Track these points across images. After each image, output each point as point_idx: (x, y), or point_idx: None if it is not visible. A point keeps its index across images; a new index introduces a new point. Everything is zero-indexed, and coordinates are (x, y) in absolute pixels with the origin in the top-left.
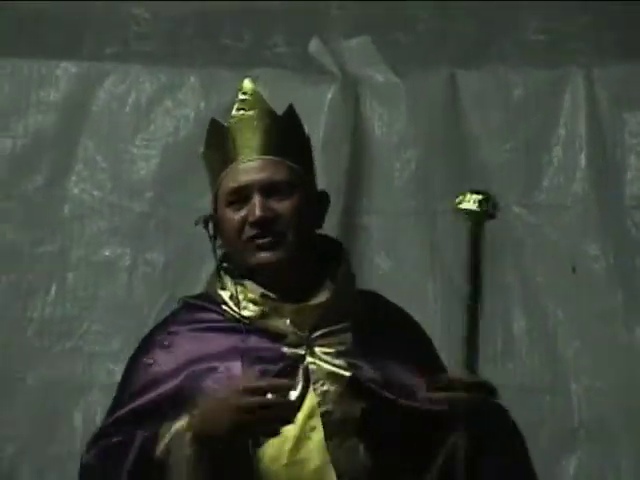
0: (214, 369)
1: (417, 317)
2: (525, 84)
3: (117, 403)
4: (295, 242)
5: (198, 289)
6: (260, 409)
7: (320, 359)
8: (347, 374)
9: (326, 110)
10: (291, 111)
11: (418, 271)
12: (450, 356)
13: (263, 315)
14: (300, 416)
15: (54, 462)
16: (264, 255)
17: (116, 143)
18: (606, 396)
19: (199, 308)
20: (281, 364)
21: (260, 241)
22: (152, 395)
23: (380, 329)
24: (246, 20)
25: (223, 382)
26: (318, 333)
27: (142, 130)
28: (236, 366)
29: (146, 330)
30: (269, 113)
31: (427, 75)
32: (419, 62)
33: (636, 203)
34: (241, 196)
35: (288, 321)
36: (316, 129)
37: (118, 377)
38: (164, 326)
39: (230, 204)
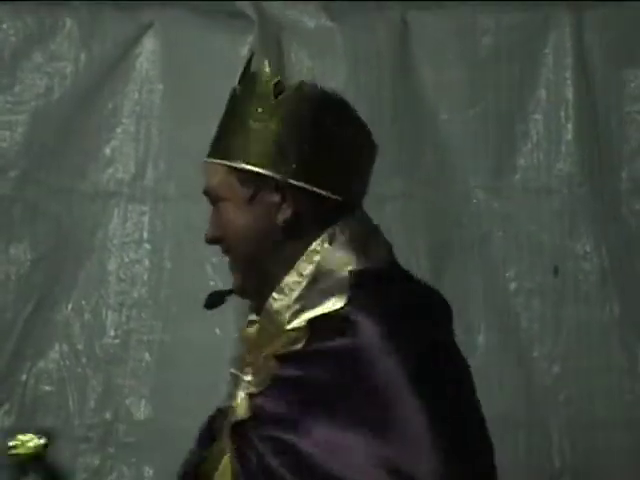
0: None
1: None
2: (496, 31)
3: None
4: (242, 264)
5: (74, 292)
6: None
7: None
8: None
9: (241, 65)
10: (298, 93)
11: None
12: None
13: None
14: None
15: None
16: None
17: None
18: (595, 432)
19: None
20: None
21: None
22: None
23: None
24: None
25: None
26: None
27: (5, 90)
28: None
29: (8, 345)
30: (258, 99)
31: (371, 19)
32: (360, 2)
33: (636, 187)
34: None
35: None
36: (228, 89)
37: None
38: None
39: None
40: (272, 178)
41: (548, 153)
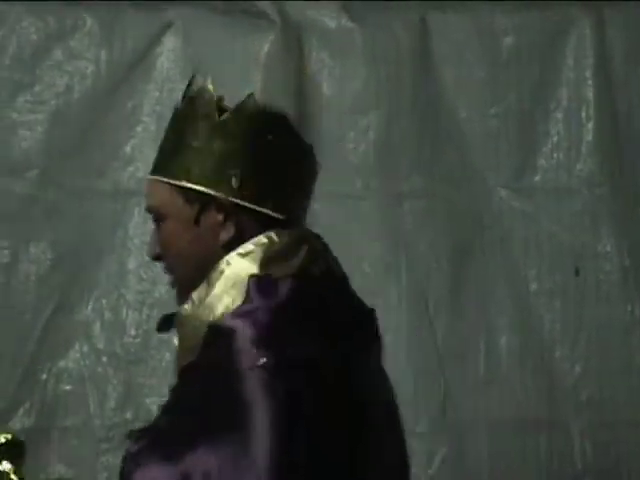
0: None
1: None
2: (516, 31)
3: None
4: (181, 282)
5: (95, 291)
6: None
7: None
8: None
9: (262, 65)
10: (240, 114)
11: (379, 268)
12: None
13: None
14: None
15: None
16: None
17: None
18: (617, 434)
19: None
20: None
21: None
22: None
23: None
24: None
25: None
26: None
27: (25, 90)
28: None
29: (29, 345)
30: (206, 117)
31: (391, 19)
32: (380, 3)
33: None
34: None
35: None
36: (249, 89)
37: None
38: None
39: None
40: (215, 197)
41: (569, 153)
